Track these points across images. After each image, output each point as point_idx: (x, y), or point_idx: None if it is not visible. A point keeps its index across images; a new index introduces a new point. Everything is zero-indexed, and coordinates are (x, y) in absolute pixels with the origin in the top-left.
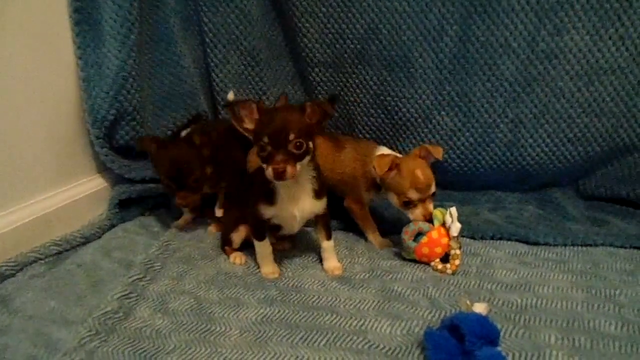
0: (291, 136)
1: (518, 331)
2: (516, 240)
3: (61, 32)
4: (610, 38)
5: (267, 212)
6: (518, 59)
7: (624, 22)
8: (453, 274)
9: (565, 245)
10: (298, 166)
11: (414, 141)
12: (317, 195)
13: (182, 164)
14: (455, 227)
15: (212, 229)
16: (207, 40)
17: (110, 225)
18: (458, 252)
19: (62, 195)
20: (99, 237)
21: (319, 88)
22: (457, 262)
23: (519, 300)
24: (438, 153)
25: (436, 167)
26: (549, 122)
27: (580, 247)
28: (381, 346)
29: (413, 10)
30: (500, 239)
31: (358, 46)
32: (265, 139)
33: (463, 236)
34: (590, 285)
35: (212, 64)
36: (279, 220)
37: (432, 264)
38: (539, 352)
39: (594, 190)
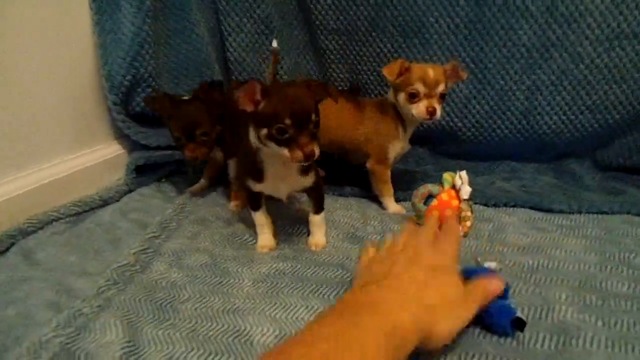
0: (313, 116)
1: (528, 288)
2: (530, 207)
3: None
4: (633, 1)
5: (256, 187)
6: (536, 23)
7: None
8: (465, 236)
9: (580, 212)
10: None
11: None
12: (304, 171)
13: (191, 118)
14: (465, 190)
15: (233, 206)
16: (221, 7)
17: (128, 190)
18: (469, 214)
19: (80, 159)
20: (117, 201)
21: (332, 56)
22: (468, 223)
23: (531, 262)
24: (463, 75)
25: (451, 136)
26: (566, 89)
27: (595, 215)
28: None
29: None
30: (514, 206)
31: (372, 12)
32: (287, 121)
33: (476, 203)
34: (604, 249)
35: (225, 33)
36: (268, 193)
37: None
38: (548, 307)
39: (612, 160)
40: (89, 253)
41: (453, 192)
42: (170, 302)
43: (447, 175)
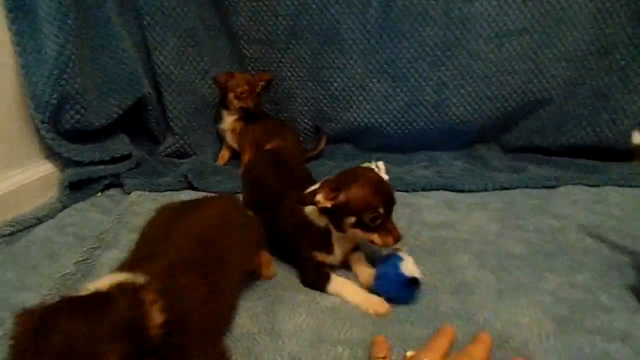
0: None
1: (436, 257)
2: (444, 189)
3: None
4: (514, 2)
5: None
6: (437, 26)
7: None
8: None
9: (486, 190)
10: None
11: (350, 110)
12: None
13: None
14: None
15: None
16: (145, 23)
17: (62, 207)
18: None
19: (12, 179)
20: (52, 218)
21: (256, 64)
22: None
23: (442, 234)
24: None
25: (373, 131)
26: (469, 82)
27: (499, 191)
28: None
29: None
30: (431, 189)
31: (290, 22)
32: (381, 210)
33: (398, 190)
34: (503, 218)
35: (151, 47)
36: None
37: None
38: (452, 270)
39: (514, 142)
40: (27, 268)
41: None
42: None
43: (366, 165)
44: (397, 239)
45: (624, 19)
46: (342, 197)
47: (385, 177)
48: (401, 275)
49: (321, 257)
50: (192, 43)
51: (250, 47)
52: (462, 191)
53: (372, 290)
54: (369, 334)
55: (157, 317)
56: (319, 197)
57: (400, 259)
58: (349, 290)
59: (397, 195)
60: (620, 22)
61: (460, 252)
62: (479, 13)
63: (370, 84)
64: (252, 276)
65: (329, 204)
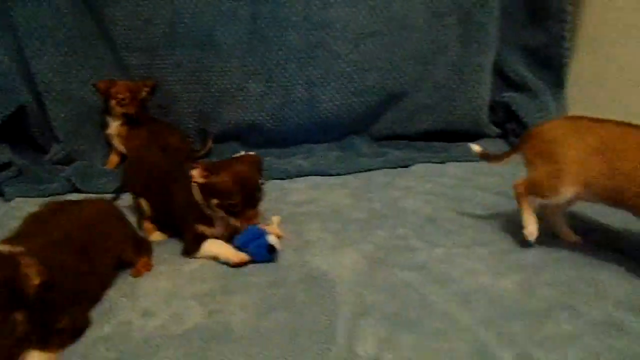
0: (258, 194)
1: (293, 227)
2: (315, 175)
3: None
4: (364, 8)
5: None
6: (300, 30)
7: None
8: None
9: (350, 173)
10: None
11: (231, 110)
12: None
13: None
14: None
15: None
16: (20, 34)
17: None
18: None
19: None
20: None
21: (137, 71)
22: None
23: (301, 210)
24: None
25: (254, 129)
26: (334, 80)
27: (362, 173)
28: None
29: None
30: (303, 175)
31: (167, 30)
32: (238, 199)
33: (277, 178)
34: (357, 194)
35: (28, 56)
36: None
37: None
38: (300, 234)
39: (381, 132)
40: None
41: None
42: None
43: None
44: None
45: (454, 21)
46: (211, 179)
47: None
48: (266, 243)
49: (203, 229)
50: (71, 52)
51: (130, 54)
52: (330, 175)
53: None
54: (218, 287)
55: (34, 278)
56: (194, 172)
57: (263, 231)
58: (219, 245)
59: (274, 182)
60: (451, 24)
61: (312, 222)
62: (335, 18)
63: (247, 85)
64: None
65: (200, 181)
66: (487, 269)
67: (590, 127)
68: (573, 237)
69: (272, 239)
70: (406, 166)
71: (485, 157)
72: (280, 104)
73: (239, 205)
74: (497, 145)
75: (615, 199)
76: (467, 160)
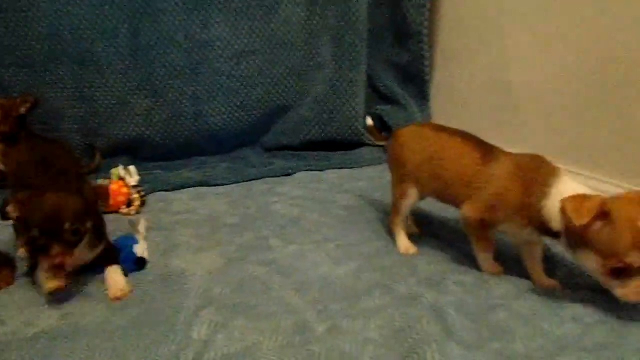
0: (66, 225)
1: (166, 234)
2: (201, 185)
3: None
4: (243, 28)
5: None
6: (182, 48)
7: (251, 16)
8: (137, 212)
9: (235, 182)
10: (76, 251)
11: (117, 125)
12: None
13: None
14: (134, 179)
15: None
16: None
17: None
18: (136, 196)
19: None
20: None
21: (17, 87)
22: (137, 203)
23: (178, 218)
24: None
25: (142, 143)
26: (220, 95)
27: (245, 182)
28: None
29: (87, 13)
30: (189, 187)
31: (45, 46)
32: (36, 234)
33: (162, 190)
34: (236, 201)
35: None
36: None
37: (120, 210)
38: (172, 239)
39: (270, 143)
40: None
41: (121, 182)
42: None
43: (114, 170)
44: (53, 266)
45: (328, 40)
46: (19, 212)
47: (136, 177)
48: (133, 254)
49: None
50: None
51: (7, 70)
52: (217, 185)
53: None
54: (76, 292)
55: None
56: (9, 208)
57: (136, 241)
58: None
59: (159, 194)
60: (325, 43)
61: (185, 228)
62: (216, 37)
63: (132, 100)
64: None
65: (14, 215)
66: (329, 260)
67: (429, 135)
68: (546, 282)
69: (139, 249)
70: (289, 174)
71: (371, 132)
72: (168, 119)
73: (42, 241)
74: (374, 153)
75: (442, 199)
76: (344, 167)
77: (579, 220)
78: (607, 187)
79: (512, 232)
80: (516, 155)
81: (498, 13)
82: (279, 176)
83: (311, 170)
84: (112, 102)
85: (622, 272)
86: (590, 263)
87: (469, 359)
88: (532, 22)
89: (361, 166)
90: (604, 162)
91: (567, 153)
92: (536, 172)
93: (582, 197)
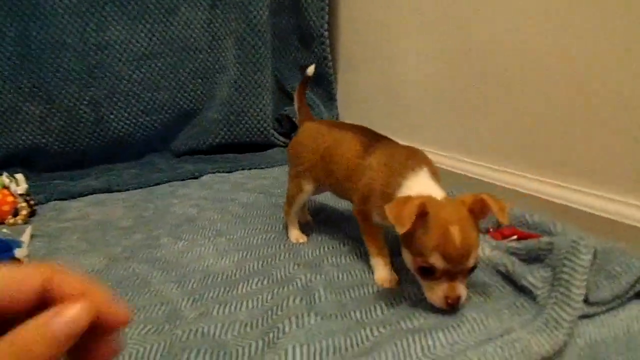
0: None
1: (51, 239)
2: (102, 192)
3: None
4: (142, 31)
5: None
6: (76, 52)
7: (150, 19)
8: (25, 223)
9: (138, 188)
10: None
11: (9, 134)
12: None
13: None
14: (21, 187)
15: None
16: None
17: None
18: (24, 205)
19: None
20: None
21: None
22: (24, 212)
23: (69, 225)
24: (500, 212)
25: (38, 153)
26: (121, 100)
27: (149, 187)
28: None
29: None
30: (89, 194)
31: None
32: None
33: (61, 199)
34: (134, 205)
35: None
36: None
37: (6, 220)
38: (56, 244)
39: (179, 148)
40: None
41: (7, 191)
42: None
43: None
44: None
45: (231, 43)
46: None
47: (24, 185)
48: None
49: None
50: None
51: None
52: (119, 191)
53: None
54: None
55: None
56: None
57: (19, 244)
58: None
59: (55, 202)
60: (228, 46)
61: (73, 234)
62: (113, 40)
63: (25, 107)
64: None
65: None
66: (216, 253)
67: (324, 131)
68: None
69: (20, 253)
70: (196, 177)
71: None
72: (65, 125)
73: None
74: (285, 154)
75: (337, 194)
76: (253, 168)
77: (401, 229)
78: (490, 173)
79: (383, 224)
80: (394, 147)
81: (386, 17)
82: (184, 180)
83: (219, 172)
84: (5, 108)
85: (430, 274)
86: (407, 260)
87: (324, 327)
88: (415, 23)
89: (272, 166)
90: (485, 150)
91: (452, 144)
92: (401, 164)
93: (404, 202)
